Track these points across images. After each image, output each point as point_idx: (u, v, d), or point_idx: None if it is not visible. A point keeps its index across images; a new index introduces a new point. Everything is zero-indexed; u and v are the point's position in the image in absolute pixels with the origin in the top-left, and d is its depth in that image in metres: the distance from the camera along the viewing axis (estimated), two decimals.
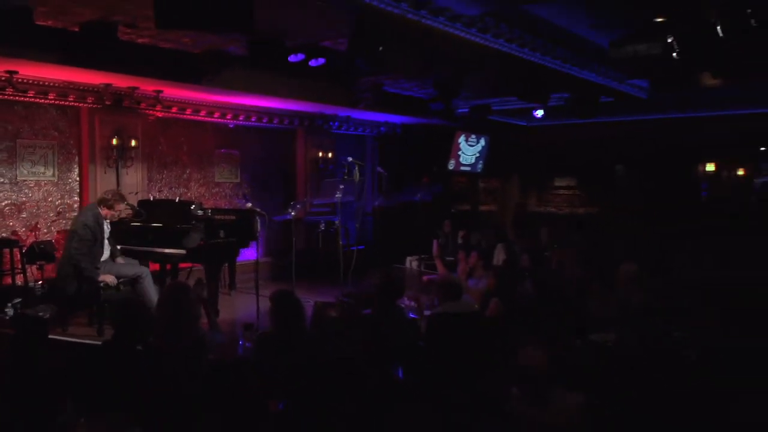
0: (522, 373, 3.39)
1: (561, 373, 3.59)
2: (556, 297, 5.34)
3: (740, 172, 14.03)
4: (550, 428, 3.10)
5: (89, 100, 8.29)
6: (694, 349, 4.27)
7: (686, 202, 13.45)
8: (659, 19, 6.16)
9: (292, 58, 7.24)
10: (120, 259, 6.96)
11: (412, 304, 6.09)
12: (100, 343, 4.42)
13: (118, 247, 7.07)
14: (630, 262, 5.88)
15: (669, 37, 5.87)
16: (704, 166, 14.10)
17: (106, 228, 6.74)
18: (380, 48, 6.01)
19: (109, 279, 6.47)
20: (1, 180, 7.90)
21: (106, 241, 6.73)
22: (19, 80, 7.52)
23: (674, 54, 5.87)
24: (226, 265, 8.11)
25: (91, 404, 3.29)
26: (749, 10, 5.40)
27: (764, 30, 5.44)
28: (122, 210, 6.81)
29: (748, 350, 3.86)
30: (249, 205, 7.77)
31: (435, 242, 8.90)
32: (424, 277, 8.19)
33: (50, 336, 4.59)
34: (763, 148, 13.77)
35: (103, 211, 6.64)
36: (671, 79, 9.62)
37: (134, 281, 6.64)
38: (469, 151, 13.39)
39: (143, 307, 3.92)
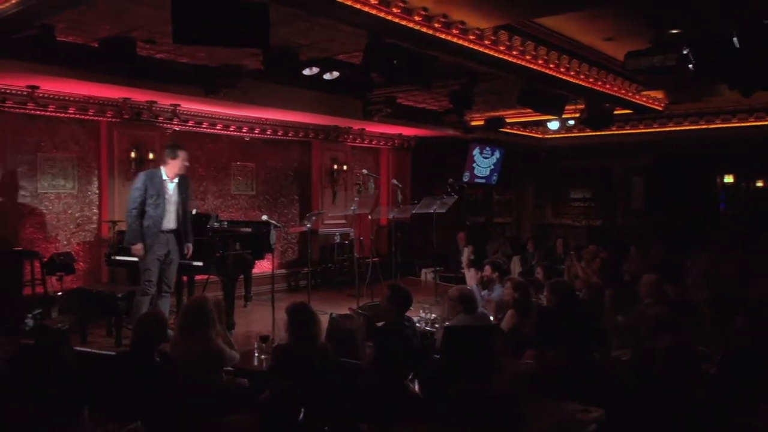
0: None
1: (579, 387, 3.56)
2: (572, 309, 5.29)
3: (759, 184, 13.87)
4: None
5: (108, 113, 8.42)
6: (714, 364, 4.22)
7: (705, 213, 13.33)
8: (674, 31, 6.15)
9: (306, 72, 7.31)
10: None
11: (429, 316, 6.09)
12: (115, 353, 4.48)
13: None
14: (651, 274, 5.83)
15: (685, 49, 5.85)
16: (722, 178, 13.97)
17: (172, 187, 6.28)
18: (394, 61, 6.05)
19: (138, 250, 6.11)
20: (23, 192, 8.03)
21: (171, 205, 6.28)
22: (40, 95, 7.69)
23: (690, 66, 5.85)
24: (242, 276, 8.15)
25: (108, 414, 3.32)
26: (766, 21, 5.38)
27: None
28: (186, 158, 6.35)
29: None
30: (264, 217, 7.81)
31: (465, 251, 8.81)
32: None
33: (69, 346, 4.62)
34: None
35: (167, 169, 6.24)
36: (687, 91, 9.57)
37: (159, 291, 6.39)
38: (483, 163, 13.39)
39: (162, 319, 3.96)
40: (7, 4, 5.14)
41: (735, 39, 5.53)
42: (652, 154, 13.61)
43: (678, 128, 11.89)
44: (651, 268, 7.33)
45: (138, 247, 6.14)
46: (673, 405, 3.38)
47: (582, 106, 9.32)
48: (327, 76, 7.51)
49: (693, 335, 4.56)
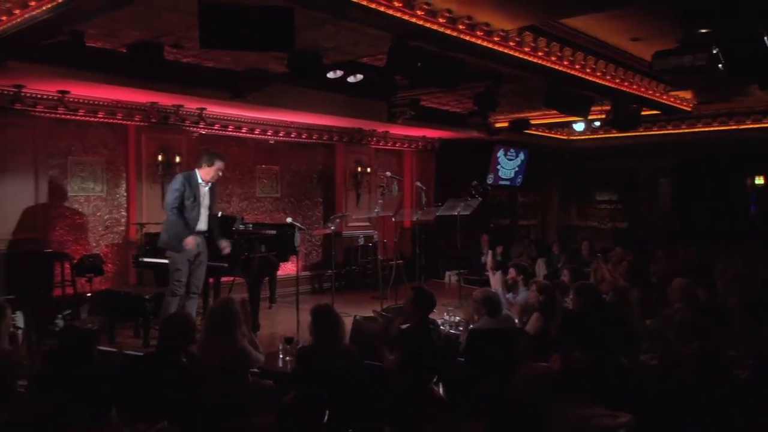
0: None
1: (606, 391, 3.52)
2: (599, 312, 5.22)
3: None
4: None
5: (136, 118, 8.55)
6: (746, 368, 4.14)
7: (734, 215, 13.08)
8: (703, 30, 6.04)
9: (330, 75, 7.34)
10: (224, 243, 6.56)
11: (452, 319, 6.06)
12: (142, 354, 4.53)
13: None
14: (682, 277, 5.74)
15: (714, 49, 5.74)
16: (753, 179, 13.70)
17: (205, 191, 6.38)
18: (418, 64, 6.04)
19: (189, 242, 6.13)
20: (54, 195, 8.15)
21: (204, 208, 6.38)
22: (71, 100, 7.84)
23: (720, 65, 5.74)
24: (267, 278, 8.21)
25: (136, 414, 3.35)
26: None
27: None
28: (221, 168, 6.43)
29: None
30: (289, 219, 7.86)
31: (489, 254, 8.76)
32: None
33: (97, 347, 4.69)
34: None
35: (202, 173, 6.31)
36: (717, 91, 9.41)
37: (188, 293, 6.44)
38: (508, 165, 13.31)
39: (190, 320, 4.00)
40: (38, 11, 5.25)
41: (765, 38, 5.42)
42: (680, 155, 13.40)
43: (707, 129, 11.69)
44: (678, 271, 7.23)
45: (190, 240, 6.18)
46: (703, 410, 3.32)
47: (608, 107, 9.22)
48: (351, 79, 7.54)
49: (722, 339, 4.48)
